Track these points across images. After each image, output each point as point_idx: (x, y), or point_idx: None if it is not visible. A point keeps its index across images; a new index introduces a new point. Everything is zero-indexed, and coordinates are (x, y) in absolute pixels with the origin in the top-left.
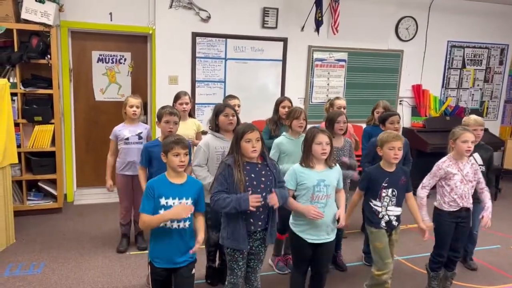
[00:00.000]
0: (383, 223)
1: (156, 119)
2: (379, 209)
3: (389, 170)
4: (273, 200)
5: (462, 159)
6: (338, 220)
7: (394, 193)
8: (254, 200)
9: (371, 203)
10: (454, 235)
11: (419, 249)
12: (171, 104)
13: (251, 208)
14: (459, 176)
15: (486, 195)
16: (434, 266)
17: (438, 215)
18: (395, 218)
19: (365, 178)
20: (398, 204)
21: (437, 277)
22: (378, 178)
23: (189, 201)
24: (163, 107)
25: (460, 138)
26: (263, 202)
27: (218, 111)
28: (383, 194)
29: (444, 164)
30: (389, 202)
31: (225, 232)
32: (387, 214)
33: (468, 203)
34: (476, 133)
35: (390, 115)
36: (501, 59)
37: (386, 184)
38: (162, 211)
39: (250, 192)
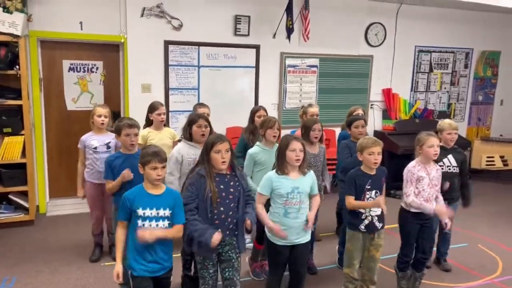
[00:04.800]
0: (362, 226)
1: (115, 133)
2: (363, 210)
3: (370, 173)
4: (249, 226)
5: (429, 163)
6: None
7: (377, 195)
8: (216, 238)
9: None
10: (420, 236)
11: (390, 250)
12: (145, 114)
13: (212, 244)
14: (427, 179)
15: (439, 201)
16: (401, 266)
17: (403, 216)
18: (377, 218)
19: (351, 183)
20: None
21: (405, 277)
22: (362, 182)
23: (167, 212)
24: (120, 120)
25: (426, 144)
26: (223, 242)
27: (191, 121)
28: (367, 196)
29: (414, 169)
30: None
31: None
32: (370, 215)
33: (433, 205)
34: (451, 136)
35: (355, 119)
36: (466, 63)
37: (369, 187)
38: (140, 221)
39: (219, 201)
